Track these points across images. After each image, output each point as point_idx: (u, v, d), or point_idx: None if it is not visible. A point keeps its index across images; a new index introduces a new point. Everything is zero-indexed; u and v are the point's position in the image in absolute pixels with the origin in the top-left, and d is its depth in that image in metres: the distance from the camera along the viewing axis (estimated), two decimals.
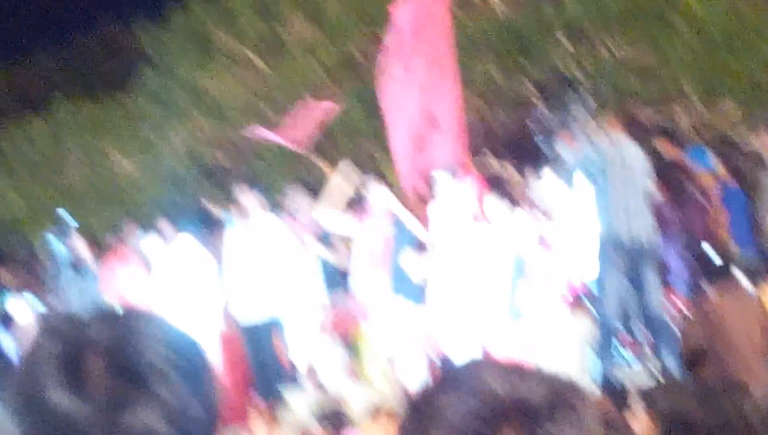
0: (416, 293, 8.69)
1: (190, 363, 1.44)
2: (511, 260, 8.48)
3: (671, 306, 7.98)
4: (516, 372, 1.39)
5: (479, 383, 1.35)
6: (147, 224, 11.42)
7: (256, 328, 9.34)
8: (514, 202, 8.79)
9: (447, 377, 1.43)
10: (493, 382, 1.35)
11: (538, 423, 1.32)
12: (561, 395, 1.37)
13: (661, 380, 6.93)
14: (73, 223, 10.84)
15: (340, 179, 9.49)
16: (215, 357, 9.58)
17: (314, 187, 10.19)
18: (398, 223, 8.92)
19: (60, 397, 1.36)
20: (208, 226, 10.14)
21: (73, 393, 1.36)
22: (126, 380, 1.38)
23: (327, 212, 9.23)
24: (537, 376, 1.40)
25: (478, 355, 8.39)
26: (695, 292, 7.84)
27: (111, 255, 10.91)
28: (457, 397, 1.34)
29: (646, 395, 5.44)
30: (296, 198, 9.80)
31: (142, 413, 1.36)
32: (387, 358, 8.81)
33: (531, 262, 8.46)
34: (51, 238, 10.79)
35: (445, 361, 8.61)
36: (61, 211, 10.95)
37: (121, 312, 1.47)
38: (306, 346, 9.19)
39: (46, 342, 1.41)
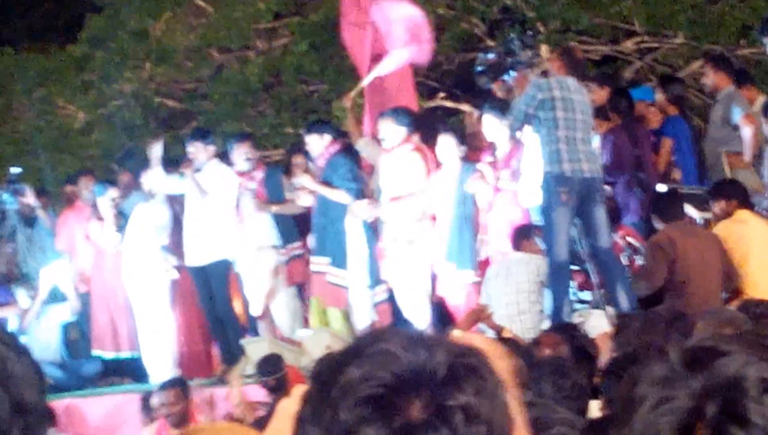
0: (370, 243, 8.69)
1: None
2: (461, 206, 8.49)
3: (623, 242, 8.03)
4: (419, 341, 1.40)
5: (384, 353, 1.36)
6: (101, 175, 11.33)
7: (210, 272, 9.29)
8: (467, 145, 8.78)
9: (351, 348, 1.43)
10: (396, 351, 1.35)
11: (444, 394, 1.32)
12: (463, 361, 1.37)
13: (612, 316, 7.00)
14: (22, 177, 10.71)
15: None
16: (169, 304, 9.56)
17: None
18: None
19: None
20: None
21: None
22: None
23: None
24: (439, 343, 1.40)
25: (428, 306, 8.45)
26: (648, 226, 7.88)
27: (66, 209, 10.81)
28: (362, 368, 1.34)
29: (594, 330, 5.53)
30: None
31: None
32: (342, 308, 8.80)
33: (481, 205, 8.47)
34: (2, 194, 10.58)
35: (397, 311, 8.63)
36: (13, 169, 10.81)
37: None
38: (261, 291, 9.18)
39: None
